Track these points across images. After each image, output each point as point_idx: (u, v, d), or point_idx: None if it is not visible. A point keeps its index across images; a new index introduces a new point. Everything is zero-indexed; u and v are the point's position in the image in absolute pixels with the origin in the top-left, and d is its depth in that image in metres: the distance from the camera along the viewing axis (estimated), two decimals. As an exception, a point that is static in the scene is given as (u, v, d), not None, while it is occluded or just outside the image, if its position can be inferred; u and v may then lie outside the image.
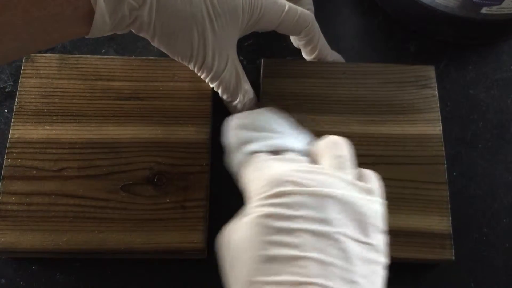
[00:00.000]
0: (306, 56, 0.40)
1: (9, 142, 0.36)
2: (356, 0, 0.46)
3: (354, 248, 0.25)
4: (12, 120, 0.37)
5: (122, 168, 0.36)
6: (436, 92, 0.39)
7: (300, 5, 0.38)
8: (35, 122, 0.37)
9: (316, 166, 0.29)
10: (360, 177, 0.29)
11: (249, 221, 0.26)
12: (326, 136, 0.31)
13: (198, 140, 0.37)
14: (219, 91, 0.36)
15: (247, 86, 0.37)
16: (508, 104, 0.43)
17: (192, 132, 0.37)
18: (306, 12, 0.36)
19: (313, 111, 0.38)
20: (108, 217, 0.35)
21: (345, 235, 0.25)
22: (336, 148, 0.30)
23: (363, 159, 0.37)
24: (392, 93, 0.39)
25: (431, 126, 0.38)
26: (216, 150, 0.38)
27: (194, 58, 0.33)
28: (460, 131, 0.41)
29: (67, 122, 0.37)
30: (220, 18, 0.32)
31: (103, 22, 0.29)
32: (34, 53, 0.39)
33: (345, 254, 0.25)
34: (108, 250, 0.34)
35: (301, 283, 0.24)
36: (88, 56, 0.39)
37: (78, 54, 0.40)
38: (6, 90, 0.41)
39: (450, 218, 0.36)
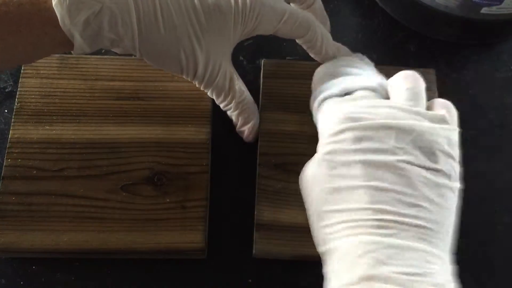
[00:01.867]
0: (312, 55, 0.40)
1: (9, 142, 0.36)
2: (356, 0, 0.46)
3: (418, 173, 0.26)
4: (12, 120, 0.37)
5: (122, 168, 0.36)
6: (437, 96, 0.39)
7: (312, 11, 0.37)
8: (35, 122, 0.37)
9: (382, 100, 0.30)
10: (433, 107, 0.30)
11: (316, 158, 0.29)
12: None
13: (198, 140, 0.37)
14: (214, 97, 0.36)
15: (239, 90, 0.35)
16: (508, 104, 0.43)
17: (192, 132, 0.37)
18: (307, 19, 0.35)
19: (313, 111, 0.38)
20: (108, 217, 0.35)
21: (408, 162, 0.26)
22: (406, 81, 0.30)
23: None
24: None
25: None
26: (216, 150, 0.38)
27: (184, 73, 0.33)
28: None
29: (67, 122, 0.37)
30: (208, 35, 0.32)
31: (83, 51, 0.30)
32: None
33: (407, 180, 0.26)
34: (108, 250, 0.34)
35: (361, 209, 0.26)
36: (88, 56, 0.39)
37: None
38: (6, 90, 0.41)
39: None
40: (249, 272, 0.36)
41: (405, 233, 0.25)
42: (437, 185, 0.27)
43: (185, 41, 0.31)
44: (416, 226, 0.25)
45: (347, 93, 0.32)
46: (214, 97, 0.36)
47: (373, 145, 0.27)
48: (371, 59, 0.44)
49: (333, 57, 0.38)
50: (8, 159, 0.36)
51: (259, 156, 0.37)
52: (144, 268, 0.36)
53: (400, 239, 0.25)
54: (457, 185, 0.28)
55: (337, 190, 0.27)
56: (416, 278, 0.24)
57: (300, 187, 0.30)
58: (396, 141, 0.27)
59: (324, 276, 0.27)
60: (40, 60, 0.38)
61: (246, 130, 0.37)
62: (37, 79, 0.38)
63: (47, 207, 0.35)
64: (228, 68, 0.34)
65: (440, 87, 0.40)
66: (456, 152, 0.29)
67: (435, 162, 0.27)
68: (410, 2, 0.43)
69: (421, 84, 0.31)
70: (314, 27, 0.36)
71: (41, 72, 0.39)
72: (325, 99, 0.32)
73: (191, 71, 0.33)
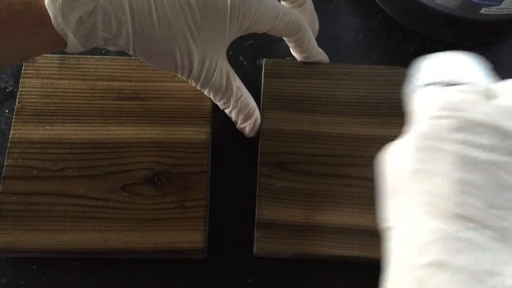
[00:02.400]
0: (294, 54, 0.40)
1: (10, 142, 0.37)
2: (356, 0, 0.46)
3: (509, 177, 0.25)
4: (13, 120, 0.37)
5: (123, 168, 0.36)
6: None
7: (303, 11, 0.37)
8: (35, 122, 0.37)
9: (483, 100, 0.29)
10: None
11: (407, 138, 0.28)
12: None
13: (198, 140, 0.37)
14: (211, 96, 0.36)
15: (236, 87, 0.35)
16: (508, 104, 0.43)
17: (192, 132, 0.37)
18: (298, 18, 0.35)
19: (313, 111, 0.38)
20: (109, 217, 0.35)
21: (501, 164, 0.25)
22: None
23: (363, 161, 0.37)
24: (393, 95, 0.39)
25: None
26: (216, 150, 0.38)
27: (179, 71, 0.33)
28: None
29: (68, 122, 0.37)
30: (203, 32, 0.31)
31: (77, 50, 0.30)
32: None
33: (497, 180, 0.25)
34: (108, 249, 0.34)
35: (445, 196, 0.25)
36: (89, 56, 0.39)
37: (79, 54, 0.41)
38: (7, 90, 0.41)
39: None
40: (249, 271, 0.36)
41: (485, 231, 0.25)
42: None
43: (180, 38, 0.31)
44: (498, 228, 0.25)
45: (451, 85, 0.31)
46: (211, 96, 0.36)
47: (472, 139, 0.26)
48: (371, 59, 0.44)
49: (315, 59, 0.39)
50: (9, 159, 0.36)
51: (260, 155, 0.37)
52: (144, 268, 0.36)
53: (479, 236, 0.24)
54: None
55: (424, 171, 0.26)
56: (490, 275, 0.24)
57: (379, 161, 0.30)
58: (493, 141, 0.26)
59: (386, 250, 0.27)
60: (40, 60, 0.39)
61: (248, 126, 0.37)
62: (37, 79, 0.38)
63: (48, 207, 0.35)
64: (224, 65, 0.34)
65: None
66: None
67: None
68: (410, 2, 0.43)
69: None
70: (305, 26, 0.36)
71: (42, 72, 0.39)
72: (428, 84, 0.31)
73: (186, 69, 0.32)
